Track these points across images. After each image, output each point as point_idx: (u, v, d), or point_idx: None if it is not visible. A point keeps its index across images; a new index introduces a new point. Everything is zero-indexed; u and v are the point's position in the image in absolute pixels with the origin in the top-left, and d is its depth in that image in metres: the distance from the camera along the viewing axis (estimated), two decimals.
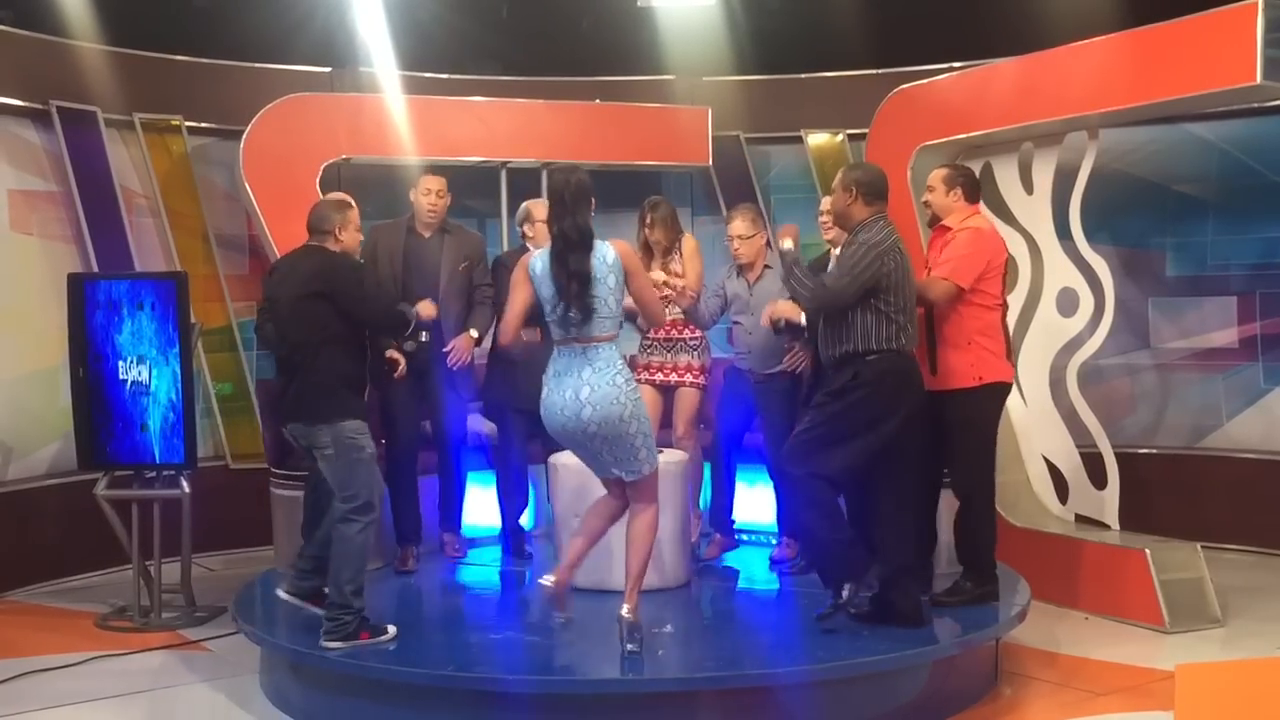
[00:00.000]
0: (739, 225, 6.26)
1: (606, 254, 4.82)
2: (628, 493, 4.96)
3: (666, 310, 6.00)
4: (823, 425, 5.13)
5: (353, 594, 5.01)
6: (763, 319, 5.78)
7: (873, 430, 5.08)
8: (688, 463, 6.12)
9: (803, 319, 5.50)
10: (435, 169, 6.63)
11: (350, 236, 5.31)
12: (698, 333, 6.47)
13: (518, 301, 4.94)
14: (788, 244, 5.41)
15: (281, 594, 5.24)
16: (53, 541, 7.29)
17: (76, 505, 6.87)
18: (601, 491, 5.11)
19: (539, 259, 4.90)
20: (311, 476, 5.38)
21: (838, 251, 5.88)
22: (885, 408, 5.09)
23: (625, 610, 4.81)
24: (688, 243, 6.49)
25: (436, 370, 6.31)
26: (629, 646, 4.76)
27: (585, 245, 4.82)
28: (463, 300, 6.42)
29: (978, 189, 5.81)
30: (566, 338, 4.85)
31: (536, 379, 4.98)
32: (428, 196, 6.37)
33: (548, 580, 4.92)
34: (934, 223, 5.72)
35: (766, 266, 6.29)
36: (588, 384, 4.77)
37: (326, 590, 5.06)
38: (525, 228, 6.43)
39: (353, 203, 5.54)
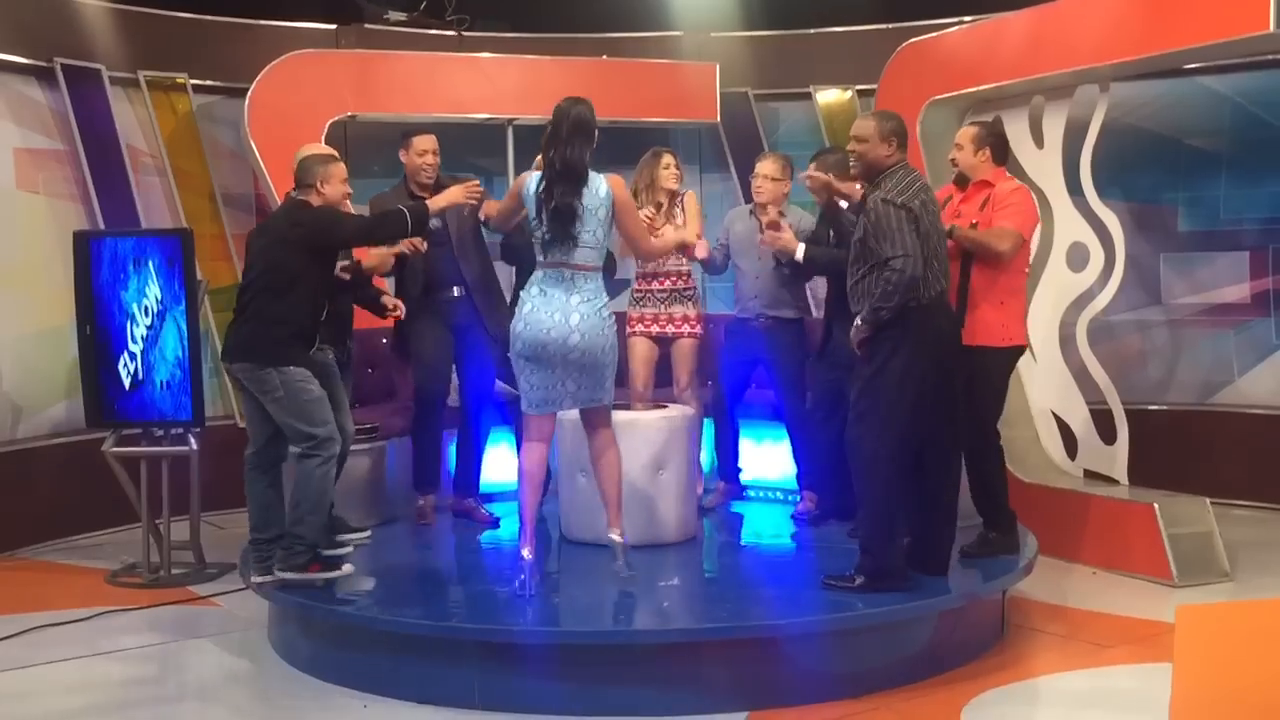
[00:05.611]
0: (769, 166, 6.23)
1: (599, 188, 4.92)
2: (585, 421, 5.08)
3: (669, 258, 6.25)
4: (867, 398, 4.94)
5: (311, 528, 5.08)
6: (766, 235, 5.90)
7: (901, 387, 4.87)
8: (694, 417, 6.11)
9: (799, 254, 5.62)
10: (434, 127, 6.56)
11: (334, 190, 5.24)
12: (692, 283, 6.46)
13: (506, 205, 5.34)
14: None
15: (279, 574, 5.14)
16: (62, 499, 7.31)
17: (85, 463, 6.89)
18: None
19: (533, 180, 5.00)
20: (250, 469, 5.33)
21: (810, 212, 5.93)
22: (909, 361, 4.86)
23: (615, 534, 4.99)
24: (690, 199, 6.46)
25: (470, 329, 6.26)
26: (626, 573, 4.95)
27: (572, 178, 4.89)
28: (480, 249, 6.36)
29: (1006, 150, 5.75)
30: (551, 261, 4.93)
31: None
32: (424, 157, 6.24)
33: (525, 553, 4.97)
34: (960, 180, 5.67)
35: (780, 213, 6.15)
36: (577, 311, 4.89)
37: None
38: None
39: (338, 156, 5.51)
